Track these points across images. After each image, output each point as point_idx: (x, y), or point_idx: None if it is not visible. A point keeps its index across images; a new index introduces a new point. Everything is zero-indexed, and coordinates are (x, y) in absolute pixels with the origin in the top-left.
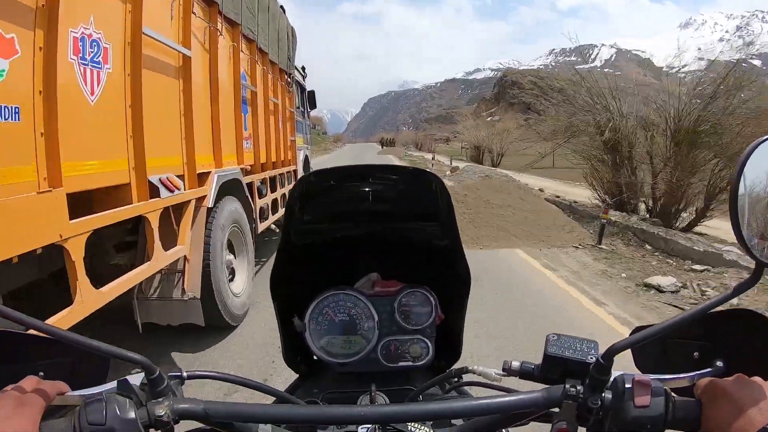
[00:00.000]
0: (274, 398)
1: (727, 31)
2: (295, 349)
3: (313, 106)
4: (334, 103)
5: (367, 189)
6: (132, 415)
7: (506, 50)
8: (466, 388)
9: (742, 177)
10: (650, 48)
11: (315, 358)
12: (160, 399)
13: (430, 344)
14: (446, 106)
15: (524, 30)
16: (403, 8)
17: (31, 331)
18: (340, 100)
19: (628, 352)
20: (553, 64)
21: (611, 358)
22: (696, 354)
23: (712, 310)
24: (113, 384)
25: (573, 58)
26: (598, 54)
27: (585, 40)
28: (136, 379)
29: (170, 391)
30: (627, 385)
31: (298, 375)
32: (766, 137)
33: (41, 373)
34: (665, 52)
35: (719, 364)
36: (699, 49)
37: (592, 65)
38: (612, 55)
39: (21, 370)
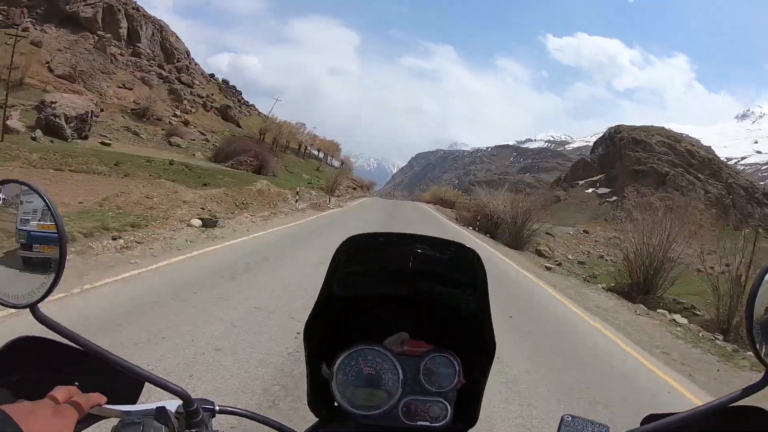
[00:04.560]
0: None
1: None
2: (318, 394)
3: None
4: (382, 153)
5: (409, 252)
6: None
7: (559, 124)
8: None
9: (759, 290)
10: (707, 136)
11: (336, 404)
12: (194, 430)
13: (449, 407)
14: (496, 172)
15: (578, 106)
16: (463, 69)
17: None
18: (388, 151)
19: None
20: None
21: None
22: None
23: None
24: (148, 406)
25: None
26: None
27: (639, 123)
28: (171, 405)
29: (203, 423)
30: None
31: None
32: None
33: (76, 383)
34: (722, 143)
35: None
36: (756, 142)
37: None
38: (663, 140)
39: (57, 379)
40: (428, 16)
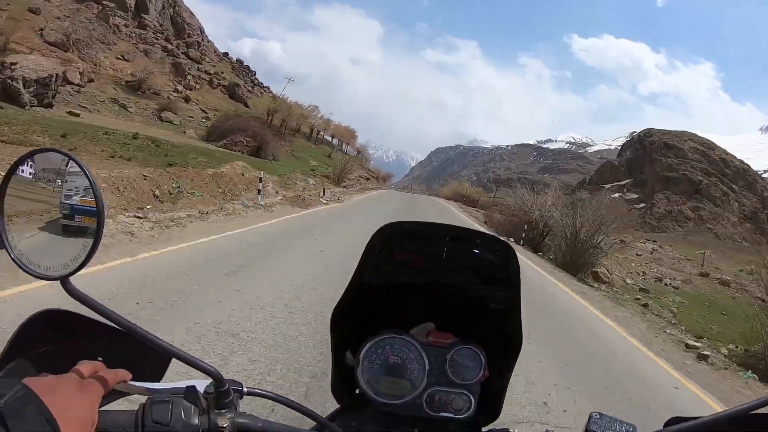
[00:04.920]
0: (314, 423)
1: None
2: (342, 381)
3: None
4: (402, 146)
5: (444, 243)
6: (195, 421)
7: (580, 125)
8: None
9: None
10: (731, 146)
11: (357, 392)
12: (224, 411)
13: (473, 400)
14: (516, 170)
15: (600, 108)
16: (486, 65)
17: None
18: (408, 144)
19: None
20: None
21: None
22: None
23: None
24: (175, 384)
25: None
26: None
27: (662, 128)
28: (201, 385)
29: (232, 404)
30: None
31: (339, 405)
32: None
33: (99, 358)
34: (745, 155)
35: None
36: None
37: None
38: (696, 147)
39: (80, 353)
40: (453, 10)
